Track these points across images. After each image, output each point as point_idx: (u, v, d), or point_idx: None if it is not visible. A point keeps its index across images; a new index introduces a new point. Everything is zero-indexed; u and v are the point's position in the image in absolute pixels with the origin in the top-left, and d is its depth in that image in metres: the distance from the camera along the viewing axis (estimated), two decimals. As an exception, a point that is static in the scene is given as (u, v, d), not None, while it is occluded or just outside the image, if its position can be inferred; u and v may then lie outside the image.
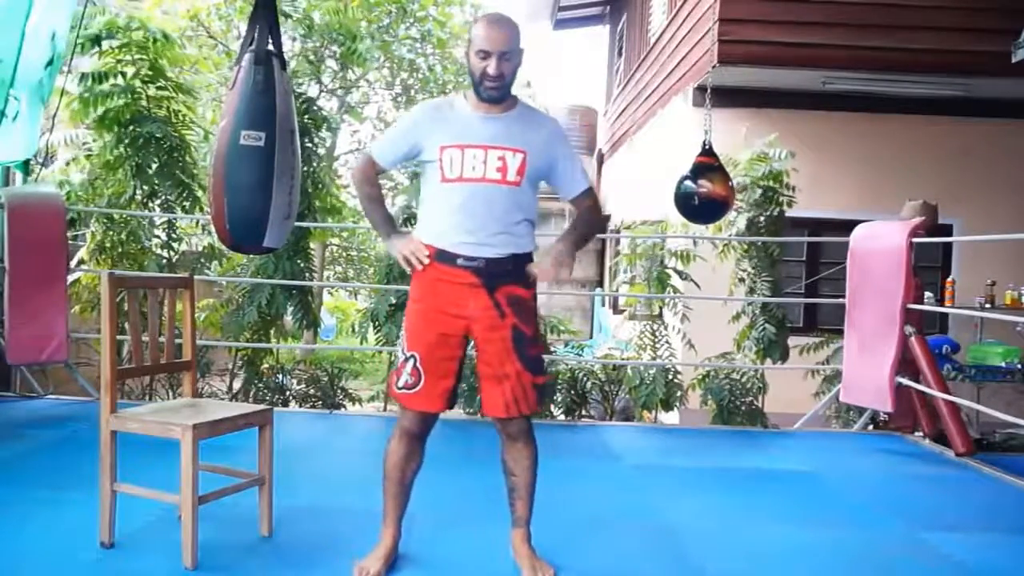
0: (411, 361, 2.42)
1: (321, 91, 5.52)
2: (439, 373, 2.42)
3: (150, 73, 5.46)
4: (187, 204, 5.55)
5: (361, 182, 2.55)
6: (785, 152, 5.80)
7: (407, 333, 2.46)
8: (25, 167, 5.12)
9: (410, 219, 5.62)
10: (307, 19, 5.74)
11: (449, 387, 2.45)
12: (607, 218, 2.96)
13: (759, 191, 5.73)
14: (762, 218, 5.75)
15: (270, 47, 3.31)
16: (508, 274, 2.40)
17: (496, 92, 2.36)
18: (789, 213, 5.91)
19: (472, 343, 2.48)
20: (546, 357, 5.46)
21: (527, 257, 2.44)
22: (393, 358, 2.52)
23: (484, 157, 2.36)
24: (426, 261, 2.39)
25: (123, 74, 5.44)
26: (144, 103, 5.47)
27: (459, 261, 2.37)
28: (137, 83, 5.46)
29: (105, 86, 5.38)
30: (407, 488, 2.51)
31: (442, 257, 2.39)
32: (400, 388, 2.44)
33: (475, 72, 2.35)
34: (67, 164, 5.85)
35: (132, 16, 5.53)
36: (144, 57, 5.44)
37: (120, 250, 5.44)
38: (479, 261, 2.37)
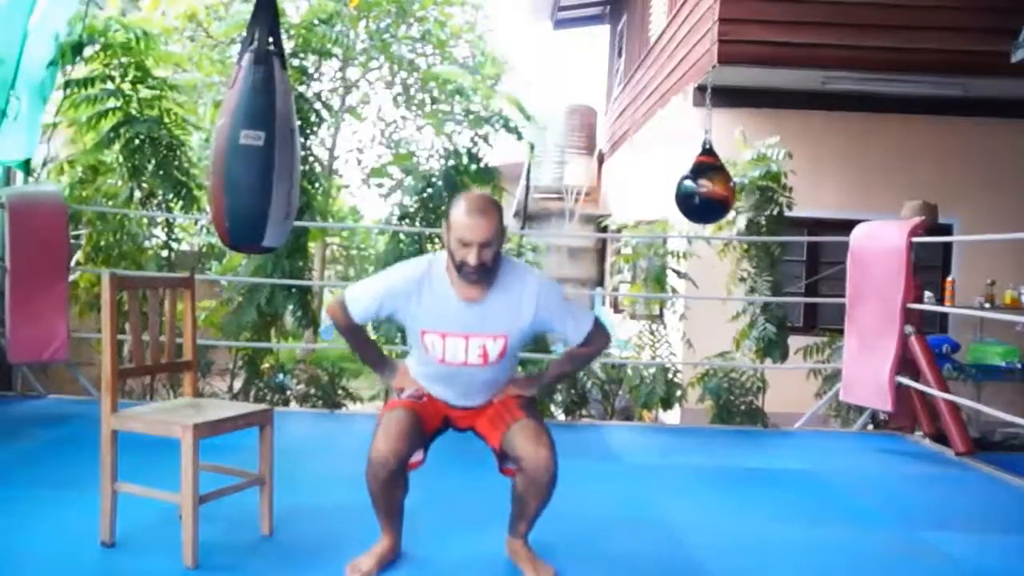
0: (415, 389, 2.55)
1: (310, 89, 5.47)
2: (434, 409, 2.52)
3: (138, 74, 5.44)
4: (185, 203, 5.55)
5: (345, 332, 2.57)
6: (783, 152, 5.80)
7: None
8: (26, 167, 5.12)
9: (404, 216, 5.64)
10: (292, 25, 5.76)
11: (433, 431, 2.53)
12: (608, 341, 2.99)
13: (757, 192, 5.73)
14: (762, 218, 5.75)
15: (270, 46, 3.31)
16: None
17: (476, 278, 2.32)
18: (789, 212, 5.91)
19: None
20: (546, 357, 5.48)
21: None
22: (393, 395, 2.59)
23: (465, 346, 2.40)
24: (425, 398, 2.51)
25: (111, 78, 5.41)
26: (135, 104, 5.45)
27: (440, 404, 2.54)
28: (126, 86, 5.43)
29: (92, 91, 5.36)
30: (398, 510, 2.49)
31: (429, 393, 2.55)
32: (405, 397, 2.50)
33: (455, 258, 2.31)
34: (47, 171, 5.80)
35: (111, 17, 5.52)
36: (130, 58, 5.41)
37: (117, 251, 5.44)
38: (461, 408, 2.54)
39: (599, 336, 2.56)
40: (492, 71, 11.62)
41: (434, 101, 11.75)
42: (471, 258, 2.28)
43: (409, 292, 2.40)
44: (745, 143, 6.03)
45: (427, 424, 2.48)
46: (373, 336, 5.56)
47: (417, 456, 2.45)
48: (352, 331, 2.56)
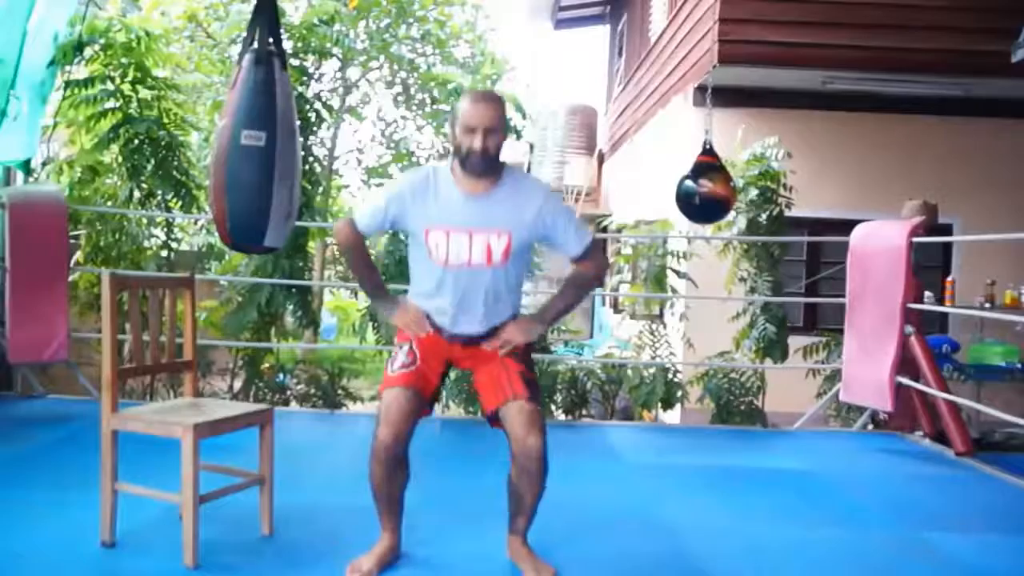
0: (406, 345, 2.50)
1: (309, 89, 5.46)
2: (431, 360, 2.49)
3: (138, 74, 5.44)
4: (184, 203, 5.55)
5: (349, 251, 2.56)
6: (782, 152, 5.80)
7: (399, 335, 2.56)
8: (26, 167, 5.13)
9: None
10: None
11: (434, 383, 2.51)
12: (605, 269, 2.94)
13: (755, 192, 5.73)
14: (761, 218, 5.75)
15: (271, 47, 3.31)
16: (488, 339, 2.51)
17: (481, 167, 2.35)
18: (789, 212, 5.91)
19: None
20: (547, 357, 5.49)
21: (509, 319, 2.53)
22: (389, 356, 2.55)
23: (469, 242, 2.39)
24: (427, 332, 2.48)
25: (110, 78, 5.40)
26: (135, 104, 5.45)
27: (444, 334, 2.50)
28: (126, 87, 5.43)
29: (92, 91, 5.35)
30: (397, 502, 2.50)
31: (431, 322, 2.50)
32: (396, 370, 2.46)
33: (461, 147, 2.35)
34: (47, 171, 5.80)
35: (112, 17, 5.52)
36: (130, 59, 5.40)
37: (116, 251, 5.44)
38: (462, 337, 2.50)
39: (598, 254, 2.58)
40: (491, 71, 11.60)
41: (434, 101, 11.75)
42: (476, 143, 2.31)
43: (414, 192, 2.43)
44: (740, 144, 6.02)
45: (427, 382, 2.47)
46: (372, 336, 5.59)
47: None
48: (358, 251, 2.54)
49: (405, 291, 2.67)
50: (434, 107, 11.67)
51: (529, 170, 9.65)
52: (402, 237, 5.47)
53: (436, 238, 2.40)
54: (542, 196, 2.46)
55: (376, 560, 2.44)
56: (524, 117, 6.44)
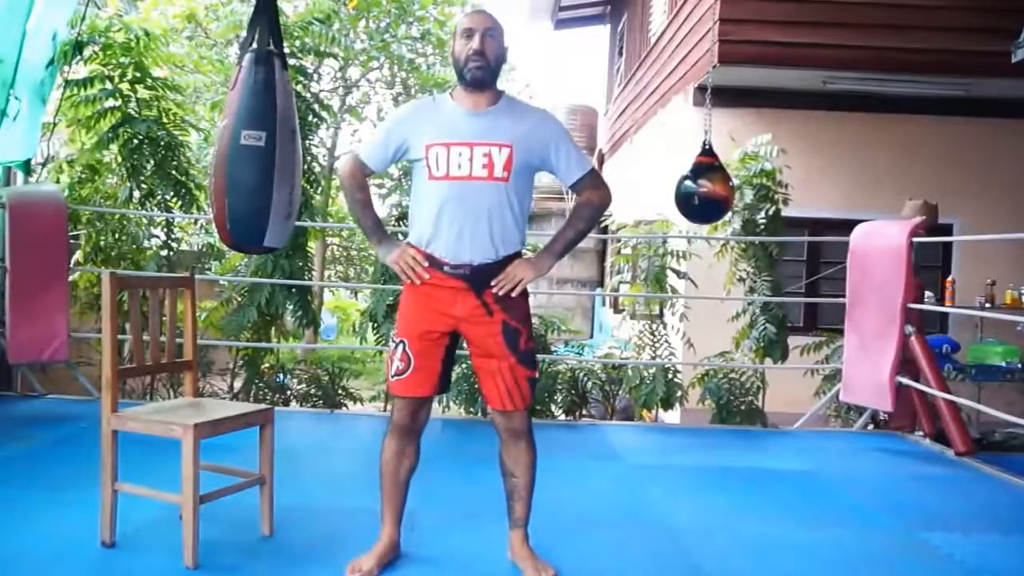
0: (400, 346, 2.44)
1: (307, 90, 5.45)
2: (428, 357, 2.44)
3: (137, 74, 5.43)
4: (184, 203, 5.55)
5: (351, 187, 2.52)
6: (776, 149, 5.80)
7: (398, 322, 2.50)
8: (26, 167, 5.13)
9: (403, 217, 5.63)
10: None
11: (438, 371, 2.46)
12: (609, 199, 2.86)
13: (751, 191, 5.72)
14: (758, 217, 5.75)
15: (271, 47, 3.31)
16: (495, 275, 2.40)
17: (480, 72, 2.35)
18: (789, 212, 5.91)
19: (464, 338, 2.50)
20: (547, 357, 5.49)
21: (515, 256, 2.44)
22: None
23: (470, 154, 2.35)
24: (425, 276, 2.40)
25: (110, 78, 5.40)
26: (134, 104, 5.45)
27: (445, 268, 2.39)
28: (125, 86, 5.42)
29: (91, 91, 5.35)
30: (403, 486, 2.51)
31: (430, 262, 2.40)
32: (393, 376, 2.46)
33: (460, 56, 2.37)
34: (46, 170, 5.79)
35: (111, 17, 5.52)
36: (128, 58, 5.40)
37: (116, 251, 5.44)
38: (465, 268, 2.38)
39: (600, 181, 2.54)
40: None
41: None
42: (475, 43, 2.33)
43: (417, 116, 2.45)
44: (735, 144, 6.01)
45: (428, 375, 2.44)
46: (372, 336, 5.58)
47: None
48: (359, 189, 2.51)
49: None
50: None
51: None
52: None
53: (436, 152, 2.36)
54: (542, 114, 2.50)
55: (376, 559, 2.44)
56: None
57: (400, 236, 5.51)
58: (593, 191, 2.51)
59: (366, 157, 2.49)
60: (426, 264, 2.40)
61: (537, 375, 2.52)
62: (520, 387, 2.44)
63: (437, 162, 2.36)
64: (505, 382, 2.43)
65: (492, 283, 2.39)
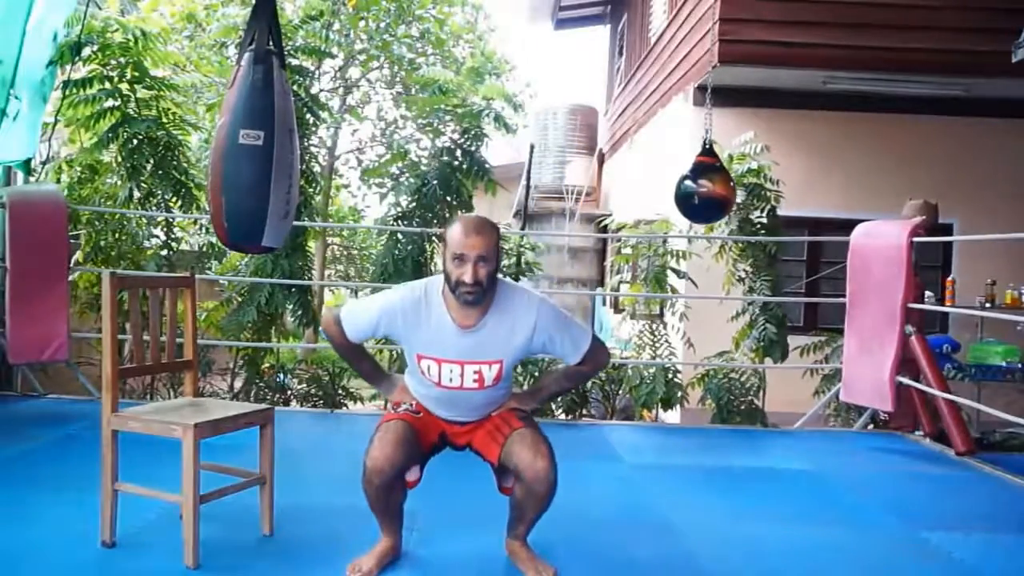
0: (408, 404, 2.52)
1: (302, 89, 5.45)
2: (431, 424, 2.51)
3: (135, 74, 5.43)
4: (184, 203, 5.55)
5: (337, 344, 2.54)
6: (761, 146, 5.79)
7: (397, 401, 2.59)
8: (26, 166, 5.13)
9: (401, 217, 5.63)
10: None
11: (429, 445, 2.51)
12: (607, 358, 2.96)
13: (743, 191, 5.72)
14: (753, 216, 5.75)
15: (269, 46, 3.31)
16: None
17: (472, 298, 2.29)
18: (789, 212, 5.91)
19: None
20: (547, 356, 5.48)
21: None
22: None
23: (460, 371, 2.39)
24: (420, 415, 2.49)
25: (109, 78, 5.40)
26: (133, 104, 5.45)
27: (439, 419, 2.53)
28: (124, 86, 5.42)
29: (91, 91, 5.34)
30: (398, 513, 2.50)
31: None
32: (401, 411, 2.47)
33: (451, 276, 2.28)
34: (46, 170, 5.78)
35: (109, 17, 5.51)
36: (127, 58, 5.39)
37: (116, 251, 5.44)
38: (459, 424, 2.53)
39: (598, 355, 2.54)
40: (474, 63, 11.56)
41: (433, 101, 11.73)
42: (467, 275, 2.24)
43: (406, 315, 2.38)
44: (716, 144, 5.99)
45: (424, 438, 2.46)
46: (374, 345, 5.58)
47: (413, 475, 2.47)
48: (347, 347, 2.54)
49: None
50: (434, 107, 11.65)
51: (529, 171, 9.61)
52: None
53: (428, 364, 2.41)
54: (534, 316, 2.38)
55: (376, 560, 2.44)
56: (516, 110, 6.40)
57: (400, 236, 5.55)
58: (589, 363, 2.54)
59: (349, 331, 2.46)
60: (422, 410, 2.51)
61: (526, 411, 2.54)
62: (508, 420, 2.46)
63: (428, 372, 2.42)
64: (495, 425, 2.48)
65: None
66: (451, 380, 2.40)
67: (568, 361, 2.51)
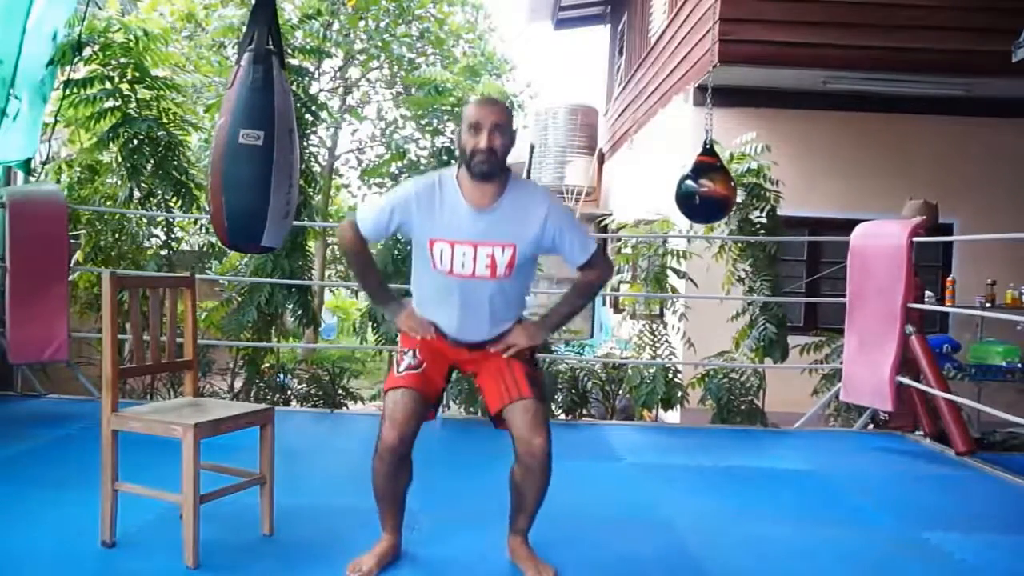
0: (411, 352, 2.48)
1: (300, 88, 5.45)
2: (435, 366, 2.48)
3: (136, 74, 5.43)
4: (184, 203, 5.55)
5: (351, 250, 2.53)
6: (762, 146, 5.79)
7: (404, 339, 2.54)
8: (26, 166, 5.13)
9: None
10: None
11: (439, 387, 2.51)
12: (611, 269, 2.96)
13: (743, 191, 5.72)
14: (753, 216, 5.75)
15: (269, 46, 3.31)
16: (493, 342, 2.50)
17: (487, 167, 2.32)
18: (789, 212, 5.90)
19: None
20: (547, 356, 5.49)
21: (514, 323, 2.53)
22: (393, 355, 2.54)
23: (473, 255, 2.37)
24: (431, 335, 2.46)
25: (110, 78, 5.40)
26: (134, 104, 5.45)
27: (449, 339, 2.50)
28: (124, 86, 5.42)
29: (91, 91, 5.34)
30: (401, 501, 2.50)
31: (436, 328, 2.49)
32: (403, 371, 2.44)
33: (466, 148, 2.33)
34: (46, 170, 5.78)
35: (110, 17, 5.52)
36: (128, 59, 5.39)
37: (116, 251, 5.44)
38: (466, 343, 2.50)
39: (603, 261, 2.56)
40: (466, 62, 11.52)
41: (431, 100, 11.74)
42: (482, 142, 2.29)
43: (420, 200, 2.40)
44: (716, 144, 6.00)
45: (432, 386, 2.46)
46: (372, 336, 5.58)
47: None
48: (360, 255, 2.53)
49: (406, 290, 2.66)
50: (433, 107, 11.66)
51: (530, 171, 9.61)
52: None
53: (440, 248, 2.38)
54: (546, 207, 2.42)
55: (377, 559, 2.44)
56: (516, 110, 6.42)
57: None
58: (594, 270, 2.54)
59: (366, 230, 2.48)
60: (432, 330, 2.47)
61: (537, 373, 2.52)
62: (517, 379, 2.43)
63: (441, 258, 2.39)
64: (504, 378, 2.44)
65: (490, 347, 2.49)
66: (463, 266, 2.37)
67: (576, 261, 2.49)
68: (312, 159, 6.23)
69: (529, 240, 2.40)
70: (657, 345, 5.66)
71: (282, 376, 5.61)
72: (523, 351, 2.49)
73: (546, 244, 2.44)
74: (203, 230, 5.83)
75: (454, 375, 2.62)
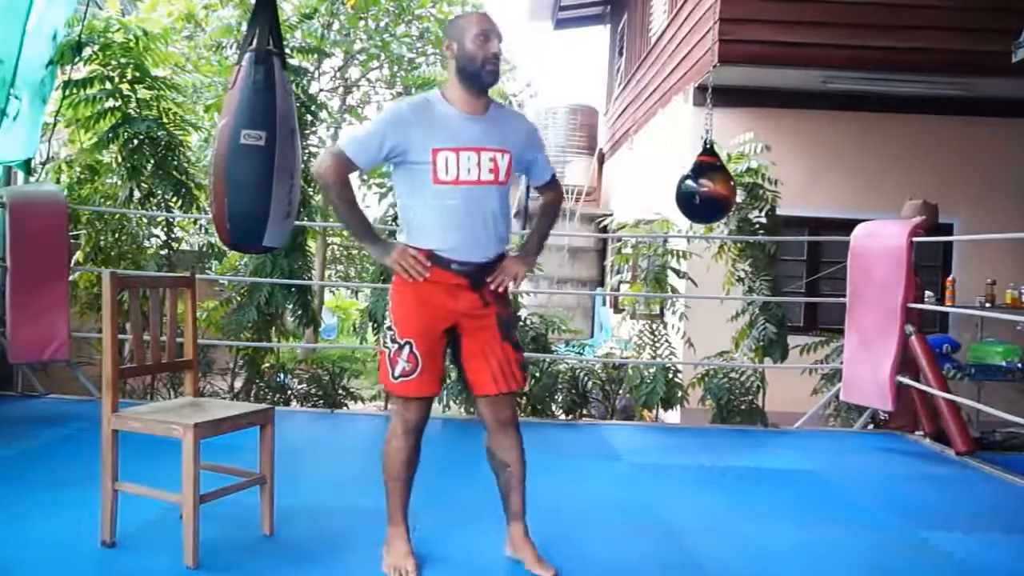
0: (407, 348, 2.40)
1: (299, 88, 5.45)
2: (433, 357, 2.45)
3: (136, 74, 5.43)
4: (184, 203, 5.55)
5: (335, 183, 2.37)
6: (761, 146, 5.79)
7: (397, 322, 2.43)
8: (26, 166, 5.13)
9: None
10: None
11: (441, 368, 2.52)
12: (563, 194, 2.99)
13: (742, 191, 5.72)
14: (752, 216, 5.75)
15: (270, 46, 3.31)
16: (491, 272, 2.46)
17: (496, 75, 2.40)
18: (789, 212, 5.90)
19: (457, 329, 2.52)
20: (547, 356, 5.49)
21: (503, 254, 2.52)
22: (383, 346, 2.47)
23: (478, 159, 2.38)
24: (427, 275, 2.38)
25: (110, 78, 5.39)
26: (134, 104, 5.45)
27: (453, 267, 2.39)
28: (125, 86, 5.42)
29: (91, 91, 5.34)
30: (410, 486, 2.52)
31: (434, 260, 2.38)
32: (397, 377, 2.40)
33: (476, 57, 2.35)
34: (46, 170, 5.78)
35: (110, 17, 5.52)
36: (128, 59, 5.39)
37: (116, 251, 5.44)
38: (472, 266, 2.40)
39: (557, 181, 2.73)
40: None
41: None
42: (493, 47, 2.35)
43: (416, 114, 2.39)
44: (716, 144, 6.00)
45: (432, 375, 2.44)
46: (372, 336, 5.58)
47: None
48: (346, 188, 2.39)
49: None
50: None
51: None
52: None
53: (445, 156, 2.34)
54: (528, 123, 2.60)
55: (411, 558, 2.45)
56: (519, 110, 6.43)
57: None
58: (554, 190, 2.71)
59: (354, 154, 2.36)
60: (428, 263, 2.38)
61: (523, 360, 2.56)
62: (512, 368, 2.47)
63: (446, 166, 2.34)
64: (498, 361, 2.45)
65: (488, 280, 2.44)
66: (469, 172, 2.36)
67: (542, 178, 2.65)
68: (312, 159, 6.23)
69: (519, 149, 2.49)
70: (657, 345, 5.66)
71: (282, 376, 5.61)
72: (508, 301, 2.55)
73: (527, 157, 2.55)
74: (203, 230, 5.83)
75: (453, 378, 2.63)
